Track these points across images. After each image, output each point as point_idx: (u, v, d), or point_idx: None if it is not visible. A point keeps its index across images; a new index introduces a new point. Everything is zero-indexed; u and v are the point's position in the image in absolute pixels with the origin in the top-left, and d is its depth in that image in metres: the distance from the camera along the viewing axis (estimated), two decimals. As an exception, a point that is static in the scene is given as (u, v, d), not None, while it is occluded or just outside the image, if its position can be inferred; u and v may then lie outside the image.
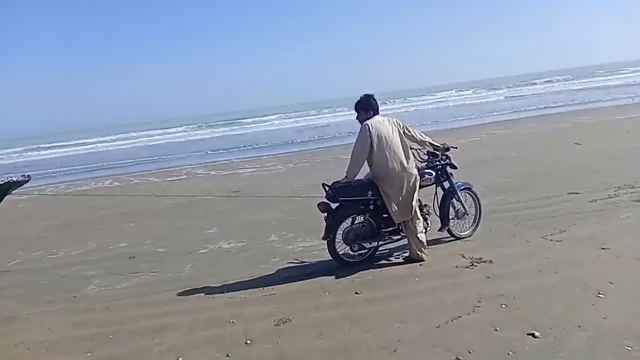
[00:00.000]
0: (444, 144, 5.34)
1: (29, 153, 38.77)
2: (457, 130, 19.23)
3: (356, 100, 5.09)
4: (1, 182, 4.26)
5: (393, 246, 5.38)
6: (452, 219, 5.49)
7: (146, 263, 6.02)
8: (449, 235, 5.53)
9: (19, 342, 4.04)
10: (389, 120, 5.01)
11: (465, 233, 5.56)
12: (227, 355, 3.46)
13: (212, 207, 9.10)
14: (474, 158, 10.91)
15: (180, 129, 46.93)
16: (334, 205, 4.94)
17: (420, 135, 5.20)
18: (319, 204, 4.95)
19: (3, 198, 4.39)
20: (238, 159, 18.45)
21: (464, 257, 4.89)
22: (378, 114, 5.06)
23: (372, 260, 5.08)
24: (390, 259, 5.15)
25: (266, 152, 19.88)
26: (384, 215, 5.08)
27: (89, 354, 3.75)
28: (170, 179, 14.85)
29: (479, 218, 5.66)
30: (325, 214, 4.94)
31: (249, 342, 3.62)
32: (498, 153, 11.87)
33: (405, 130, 5.01)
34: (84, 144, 40.36)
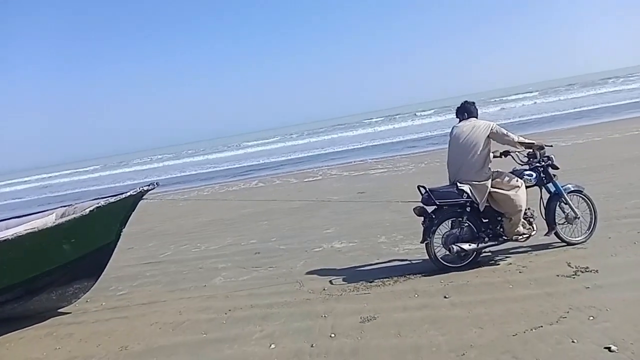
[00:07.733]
0: (538, 141, 5.10)
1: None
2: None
3: None
4: (134, 193, 5.20)
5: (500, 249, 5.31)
6: (561, 223, 5.22)
7: (267, 258, 6.70)
8: (561, 241, 5.27)
9: (154, 322, 4.90)
10: (474, 125, 4.98)
11: (579, 239, 5.24)
12: (312, 346, 3.84)
13: (336, 208, 9.64)
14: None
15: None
16: (430, 209, 5.04)
17: (506, 136, 4.94)
18: (414, 208, 5.09)
19: (137, 205, 5.34)
20: (372, 159, 18.93)
21: (569, 265, 4.67)
22: (471, 117, 5.11)
23: (474, 265, 5.06)
24: (499, 263, 5.07)
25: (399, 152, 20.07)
26: (484, 220, 5.06)
27: (204, 335, 4.42)
28: (307, 179, 15.88)
29: (594, 223, 5.27)
30: (422, 217, 5.06)
31: (333, 335, 3.96)
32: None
33: (492, 133, 4.92)
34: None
